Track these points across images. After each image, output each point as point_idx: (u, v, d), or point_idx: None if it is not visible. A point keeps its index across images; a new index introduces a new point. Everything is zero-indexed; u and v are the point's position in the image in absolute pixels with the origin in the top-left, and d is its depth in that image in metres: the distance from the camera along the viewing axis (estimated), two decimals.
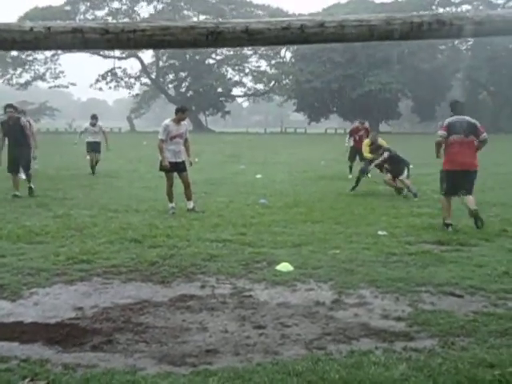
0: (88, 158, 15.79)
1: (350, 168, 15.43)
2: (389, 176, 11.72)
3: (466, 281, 5.33)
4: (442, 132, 7.98)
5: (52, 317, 4.44)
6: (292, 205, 10.14)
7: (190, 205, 9.44)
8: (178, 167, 9.43)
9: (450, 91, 66.94)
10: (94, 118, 16.07)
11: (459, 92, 67.68)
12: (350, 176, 14.85)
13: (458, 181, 7.95)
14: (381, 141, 12.61)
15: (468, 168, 7.96)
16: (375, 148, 12.15)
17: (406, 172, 11.69)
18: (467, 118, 8.07)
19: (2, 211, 9.27)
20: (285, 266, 5.81)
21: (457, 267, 5.86)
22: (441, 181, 8.23)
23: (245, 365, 3.54)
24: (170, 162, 9.24)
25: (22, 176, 11.53)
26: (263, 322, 4.34)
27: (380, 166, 12.10)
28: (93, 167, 15.66)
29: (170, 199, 9.38)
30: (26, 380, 3.26)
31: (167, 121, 9.49)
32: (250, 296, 4.97)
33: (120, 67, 73.26)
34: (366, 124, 16.37)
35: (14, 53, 62.31)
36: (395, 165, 11.64)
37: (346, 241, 7.10)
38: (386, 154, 11.75)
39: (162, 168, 9.41)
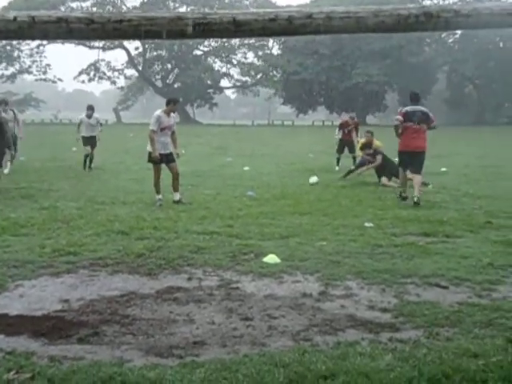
0: (75, 149, 15.49)
1: (338, 160, 15.49)
2: (384, 179, 12.02)
3: (451, 272, 5.37)
4: (399, 117, 9.54)
5: (38, 309, 4.41)
6: (279, 197, 10.15)
7: (177, 196, 9.41)
8: (167, 158, 9.40)
9: (436, 84, 67.24)
10: (91, 109, 14.35)
11: (445, 85, 68.06)
12: (337, 168, 14.93)
13: (408, 160, 9.58)
14: (376, 142, 12.77)
15: (417, 149, 9.45)
16: (367, 147, 12.52)
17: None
18: (422, 108, 9.73)
19: None
20: (272, 258, 5.82)
21: (442, 259, 5.91)
22: (398, 159, 10.02)
23: (232, 356, 3.54)
24: (159, 154, 9.21)
25: (5, 170, 11.37)
26: (250, 313, 4.34)
27: (377, 171, 12.38)
28: (89, 161, 14.42)
29: (158, 191, 9.34)
30: (12, 372, 3.24)
31: (159, 112, 9.43)
32: (237, 288, 4.97)
33: (104, 60, 72.76)
34: (356, 119, 16.48)
35: None
36: (391, 165, 11.95)
37: (332, 232, 7.13)
38: (379, 158, 12.05)
39: (150, 159, 9.37)
